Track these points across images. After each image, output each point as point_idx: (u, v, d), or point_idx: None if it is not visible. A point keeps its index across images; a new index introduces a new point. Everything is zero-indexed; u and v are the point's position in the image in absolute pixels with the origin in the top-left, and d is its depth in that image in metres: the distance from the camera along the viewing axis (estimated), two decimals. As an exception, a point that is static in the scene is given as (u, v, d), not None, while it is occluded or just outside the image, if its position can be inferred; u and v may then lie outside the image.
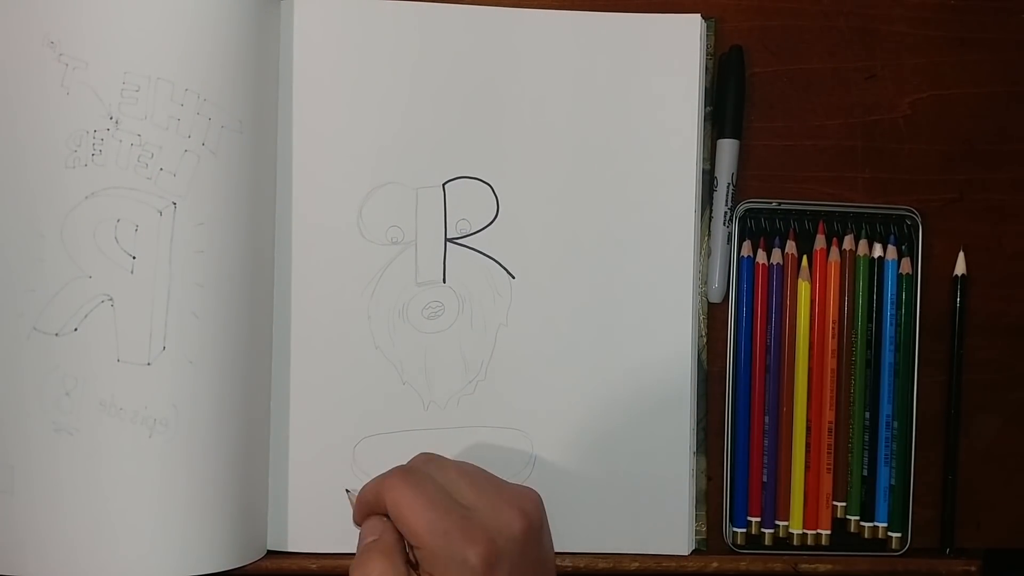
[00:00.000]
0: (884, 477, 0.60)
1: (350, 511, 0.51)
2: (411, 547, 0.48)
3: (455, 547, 0.46)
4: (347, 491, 0.54)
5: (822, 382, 0.60)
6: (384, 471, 0.50)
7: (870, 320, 0.60)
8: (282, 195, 0.58)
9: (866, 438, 0.60)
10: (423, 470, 0.50)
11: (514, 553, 0.47)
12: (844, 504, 0.60)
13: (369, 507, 0.50)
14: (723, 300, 0.60)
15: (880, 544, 0.60)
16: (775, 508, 0.60)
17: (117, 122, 0.53)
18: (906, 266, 0.60)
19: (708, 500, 0.60)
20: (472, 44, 0.59)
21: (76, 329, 0.52)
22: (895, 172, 0.61)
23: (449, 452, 0.59)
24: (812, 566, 0.60)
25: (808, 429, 0.60)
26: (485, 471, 0.51)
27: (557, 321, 0.59)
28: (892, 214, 0.61)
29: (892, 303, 0.60)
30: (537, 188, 0.59)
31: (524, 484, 0.59)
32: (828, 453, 0.60)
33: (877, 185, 0.61)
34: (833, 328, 0.60)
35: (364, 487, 0.50)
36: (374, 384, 0.58)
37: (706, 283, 0.60)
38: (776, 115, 0.61)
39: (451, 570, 0.46)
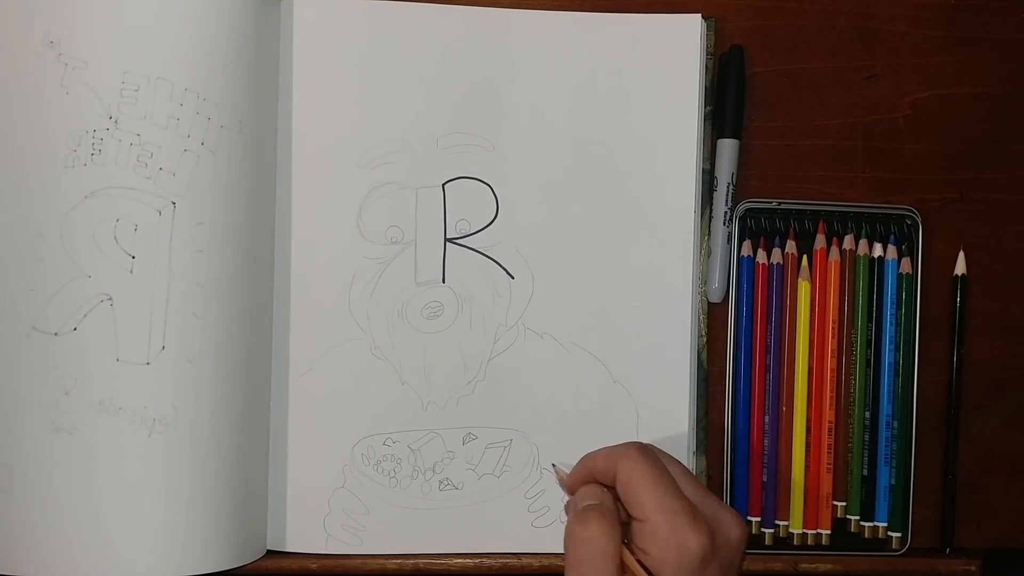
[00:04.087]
0: (884, 477, 0.60)
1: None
2: (629, 520, 0.49)
3: (680, 530, 0.48)
4: (553, 465, 0.55)
5: (822, 382, 0.60)
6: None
7: (870, 320, 0.60)
8: (282, 195, 0.58)
9: (866, 438, 0.60)
10: (655, 452, 0.51)
11: (725, 558, 0.49)
12: (844, 504, 0.60)
13: (592, 474, 0.51)
14: (723, 300, 0.60)
15: (880, 544, 0.60)
16: (775, 508, 0.60)
17: (116, 122, 0.53)
18: (906, 266, 0.60)
19: (708, 500, 0.60)
20: (472, 44, 0.59)
21: (75, 329, 0.52)
22: (895, 172, 0.61)
23: (449, 452, 0.59)
24: (812, 566, 0.60)
25: (808, 429, 0.60)
26: None
27: (557, 321, 0.59)
28: (892, 214, 0.61)
29: (892, 303, 0.60)
30: (537, 188, 0.59)
31: (526, 484, 0.59)
32: (828, 453, 0.60)
33: (877, 185, 0.61)
34: (833, 328, 0.60)
35: (593, 454, 0.52)
36: (373, 384, 0.58)
37: (706, 283, 0.60)
38: (776, 115, 0.61)
39: (669, 551, 0.48)
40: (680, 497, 0.49)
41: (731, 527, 0.49)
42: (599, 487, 0.51)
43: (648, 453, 0.50)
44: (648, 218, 0.59)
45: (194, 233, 0.53)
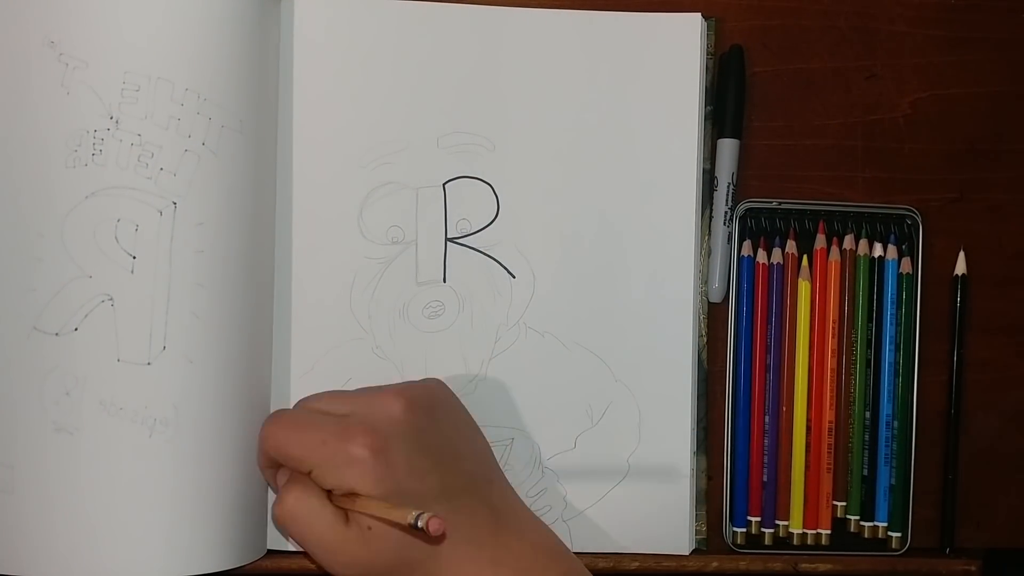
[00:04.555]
0: (884, 477, 0.60)
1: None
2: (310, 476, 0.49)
3: (337, 450, 0.48)
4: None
5: (822, 382, 0.60)
6: None
7: (870, 320, 0.60)
8: (282, 195, 0.58)
9: (866, 438, 0.60)
10: (291, 408, 0.53)
11: (403, 434, 0.49)
12: (844, 504, 0.60)
13: (265, 465, 0.53)
14: (723, 300, 0.60)
15: (880, 544, 0.60)
16: (775, 508, 0.60)
17: (117, 122, 0.53)
18: (906, 266, 0.60)
19: (708, 500, 0.60)
20: (472, 43, 0.59)
21: (76, 329, 0.52)
22: (895, 172, 0.61)
23: (449, 452, 0.59)
24: (812, 566, 0.60)
25: (808, 429, 0.60)
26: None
27: (557, 320, 0.59)
28: (892, 214, 0.61)
29: (892, 303, 0.60)
30: (537, 188, 0.59)
31: (527, 484, 0.59)
32: (828, 453, 0.60)
33: (877, 185, 0.61)
34: (833, 328, 0.60)
35: (256, 458, 0.53)
36: (375, 383, 0.58)
37: (706, 283, 0.60)
38: (776, 115, 0.61)
39: (344, 472, 0.48)
40: (322, 425, 0.49)
41: (388, 406, 0.49)
42: (283, 470, 0.52)
43: (277, 415, 0.52)
44: (648, 218, 0.59)
45: (195, 233, 0.53)
